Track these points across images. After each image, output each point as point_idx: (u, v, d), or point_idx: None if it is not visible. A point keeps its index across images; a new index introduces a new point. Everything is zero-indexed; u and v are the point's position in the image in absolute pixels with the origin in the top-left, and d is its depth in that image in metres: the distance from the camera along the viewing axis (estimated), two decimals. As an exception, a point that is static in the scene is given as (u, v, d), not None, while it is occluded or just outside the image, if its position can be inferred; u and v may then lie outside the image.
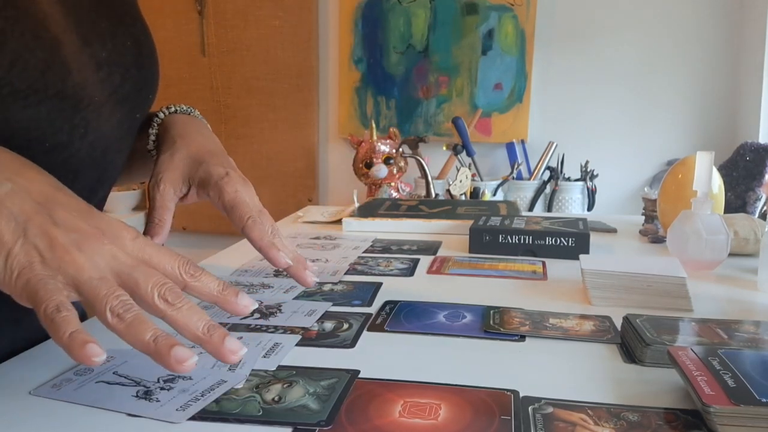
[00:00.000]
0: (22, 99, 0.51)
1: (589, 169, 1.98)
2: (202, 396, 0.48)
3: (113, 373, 0.52)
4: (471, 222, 1.06)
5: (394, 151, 1.73)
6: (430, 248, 1.03)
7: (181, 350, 0.44)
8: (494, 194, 1.95)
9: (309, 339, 0.61)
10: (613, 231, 1.20)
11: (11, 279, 0.43)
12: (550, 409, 0.46)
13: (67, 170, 0.57)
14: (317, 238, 1.11)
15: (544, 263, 0.93)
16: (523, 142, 2.11)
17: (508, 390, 0.50)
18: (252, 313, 0.68)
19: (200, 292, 0.50)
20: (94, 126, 0.58)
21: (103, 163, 0.62)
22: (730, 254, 0.90)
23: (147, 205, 2.31)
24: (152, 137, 0.72)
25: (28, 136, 0.52)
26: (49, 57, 0.52)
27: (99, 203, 0.66)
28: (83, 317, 0.75)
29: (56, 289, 0.43)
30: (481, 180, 2.02)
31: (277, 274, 0.86)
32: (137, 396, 0.48)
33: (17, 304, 0.45)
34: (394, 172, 1.73)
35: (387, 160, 1.72)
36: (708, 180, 0.89)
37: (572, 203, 1.96)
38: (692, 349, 0.50)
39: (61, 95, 0.54)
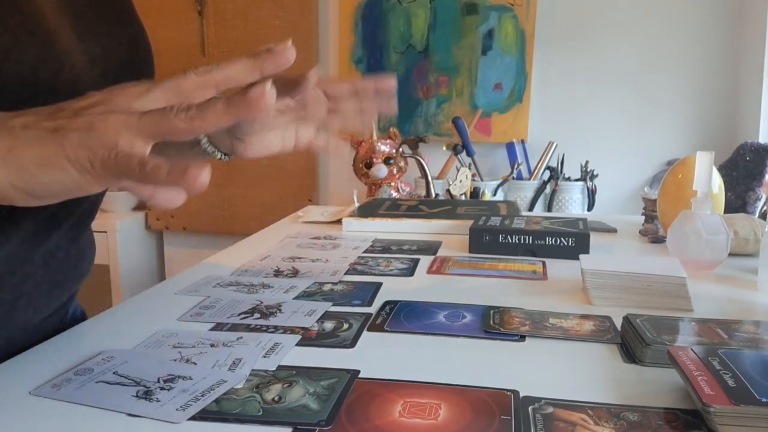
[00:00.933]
0: (13, 94, 0.51)
1: (589, 169, 1.98)
2: (202, 396, 0.48)
3: (113, 373, 0.52)
4: (471, 222, 1.06)
5: (394, 151, 1.73)
6: (430, 248, 1.03)
7: (254, 89, 0.43)
8: (494, 194, 1.95)
9: (309, 339, 0.61)
10: (613, 231, 1.20)
11: (94, 174, 0.42)
12: (550, 409, 0.46)
13: None
14: (317, 238, 1.11)
15: (544, 263, 0.93)
16: (523, 142, 2.11)
17: (508, 390, 0.50)
18: (252, 313, 0.68)
19: (230, 71, 0.46)
20: None
21: None
22: (730, 254, 0.90)
23: (146, 204, 2.31)
24: None
25: None
26: (43, 52, 0.52)
27: (93, 202, 0.66)
28: (83, 317, 0.75)
29: (130, 149, 0.42)
30: (481, 180, 2.02)
31: (277, 274, 0.86)
32: (137, 396, 0.48)
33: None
34: (394, 172, 1.73)
35: (387, 160, 1.72)
36: (708, 180, 0.89)
37: (572, 203, 1.96)
38: (692, 349, 0.50)
39: (55, 91, 0.54)
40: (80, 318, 0.74)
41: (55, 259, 0.61)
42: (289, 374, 0.52)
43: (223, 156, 0.71)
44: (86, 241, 0.67)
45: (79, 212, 0.62)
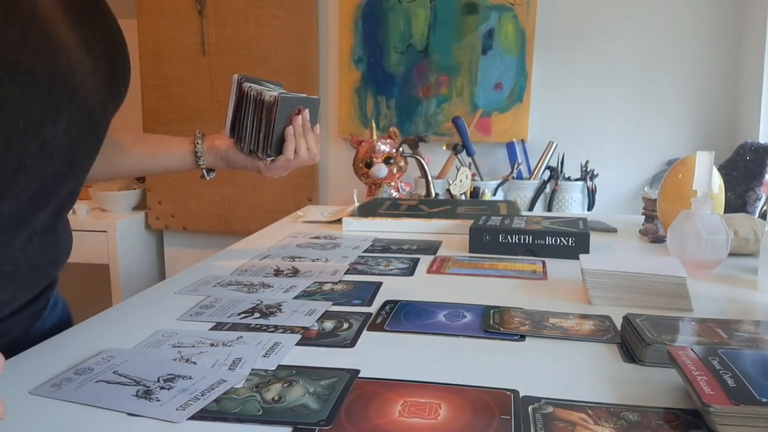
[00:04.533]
0: None
1: (589, 169, 1.98)
2: (202, 395, 0.48)
3: (113, 372, 0.52)
4: (471, 222, 1.06)
5: (394, 150, 1.73)
6: (430, 248, 1.03)
7: None
8: (494, 194, 1.95)
9: (309, 338, 0.61)
10: (613, 231, 1.20)
11: None
12: (550, 409, 0.46)
13: (43, 153, 0.58)
14: (317, 237, 1.11)
15: (544, 263, 0.93)
16: (523, 141, 2.10)
17: (508, 390, 0.50)
18: (252, 312, 0.68)
19: None
20: (66, 112, 0.59)
21: (75, 149, 0.63)
22: (730, 254, 0.90)
23: (146, 204, 2.31)
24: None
25: (1, 114, 0.53)
26: (21, 37, 0.54)
27: (72, 189, 0.66)
28: (66, 310, 0.75)
29: None
30: (481, 180, 2.02)
31: (277, 273, 0.86)
32: (137, 395, 0.48)
33: None
34: (394, 171, 1.73)
35: (387, 160, 1.72)
36: (708, 180, 0.89)
37: (572, 203, 1.96)
38: (692, 349, 0.50)
39: (33, 75, 0.55)
40: (62, 309, 0.74)
41: (33, 244, 0.61)
42: (289, 374, 0.52)
43: (206, 174, 0.94)
44: (63, 229, 0.68)
45: (58, 199, 0.63)
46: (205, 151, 0.91)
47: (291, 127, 0.89)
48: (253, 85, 0.88)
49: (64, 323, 0.72)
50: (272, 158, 0.90)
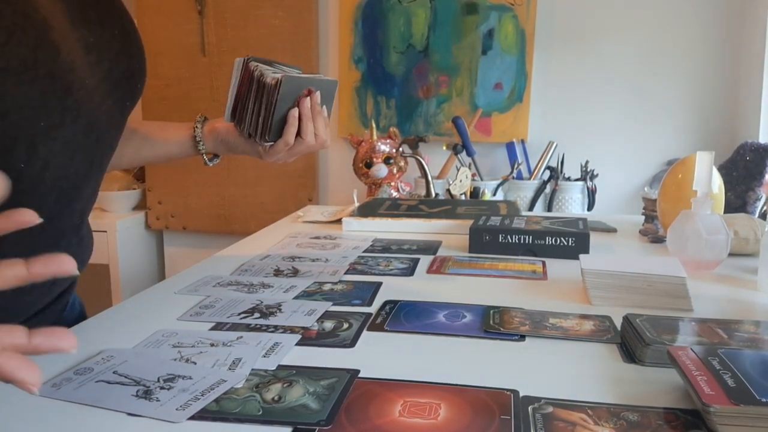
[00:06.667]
0: (15, 75, 0.52)
1: (589, 169, 1.98)
2: (202, 395, 0.48)
3: (113, 372, 0.52)
4: (471, 222, 1.06)
5: (394, 150, 1.73)
6: (430, 248, 1.03)
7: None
8: (494, 194, 1.95)
9: (309, 338, 0.61)
10: (613, 231, 1.20)
11: None
12: (550, 409, 0.46)
13: (66, 152, 0.58)
14: (317, 237, 1.11)
15: (544, 263, 0.93)
16: (523, 141, 2.10)
17: (508, 390, 0.50)
18: (252, 312, 0.68)
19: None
20: (86, 110, 0.59)
21: (95, 147, 0.63)
22: (730, 254, 0.90)
23: (146, 204, 2.31)
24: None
25: (23, 113, 0.54)
26: (39, 36, 0.54)
27: (93, 189, 0.67)
28: (82, 309, 0.77)
29: None
30: (481, 180, 2.02)
31: (277, 273, 0.86)
32: (137, 395, 0.48)
33: None
34: (394, 171, 1.73)
35: (387, 160, 1.72)
36: (708, 180, 0.89)
37: (572, 203, 1.96)
38: (692, 349, 0.50)
39: (52, 75, 0.55)
40: (79, 310, 0.75)
41: (60, 248, 0.61)
42: (289, 374, 0.52)
43: (209, 161, 0.89)
44: (85, 231, 0.68)
45: (81, 200, 0.63)
46: (205, 135, 0.87)
47: (295, 109, 0.82)
48: (260, 65, 0.83)
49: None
50: (270, 143, 0.84)
